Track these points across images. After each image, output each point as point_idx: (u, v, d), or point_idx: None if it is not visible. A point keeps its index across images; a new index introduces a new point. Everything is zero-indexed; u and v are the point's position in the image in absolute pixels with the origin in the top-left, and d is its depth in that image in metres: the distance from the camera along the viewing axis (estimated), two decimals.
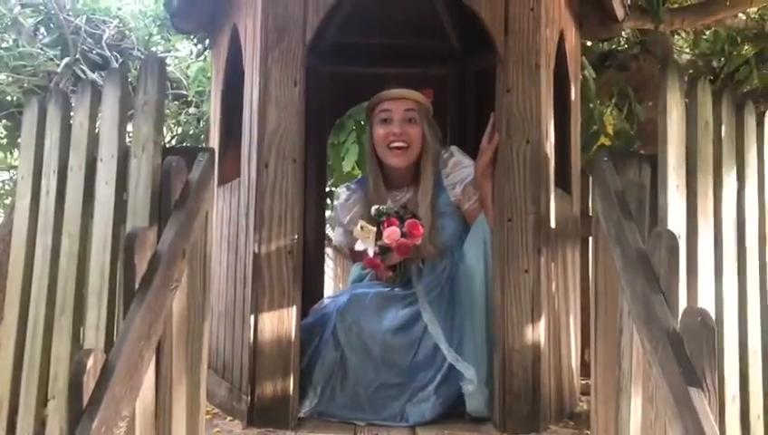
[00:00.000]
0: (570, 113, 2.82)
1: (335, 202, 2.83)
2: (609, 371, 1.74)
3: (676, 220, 1.85)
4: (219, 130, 2.82)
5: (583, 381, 2.81)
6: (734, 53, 5.55)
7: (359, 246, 2.52)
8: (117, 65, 6.74)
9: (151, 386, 1.44)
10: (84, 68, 6.43)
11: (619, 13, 3.01)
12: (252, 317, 2.24)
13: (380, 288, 2.59)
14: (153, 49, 7.52)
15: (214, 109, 2.96)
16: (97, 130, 2.13)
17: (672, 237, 1.49)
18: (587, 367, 3.06)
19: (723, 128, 2.10)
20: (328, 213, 4.21)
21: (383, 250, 2.46)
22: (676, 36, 5.65)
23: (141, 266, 1.44)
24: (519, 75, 2.33)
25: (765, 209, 2.32)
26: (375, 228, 2.46)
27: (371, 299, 2.52)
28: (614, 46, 5.19)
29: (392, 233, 2.43)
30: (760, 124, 2.34)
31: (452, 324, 2.48)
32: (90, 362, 1.20)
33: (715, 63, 5.72)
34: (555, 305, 2.41)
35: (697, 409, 1.22)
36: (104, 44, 6.74)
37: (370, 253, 2.47)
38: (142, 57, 7.20)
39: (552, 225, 2.37)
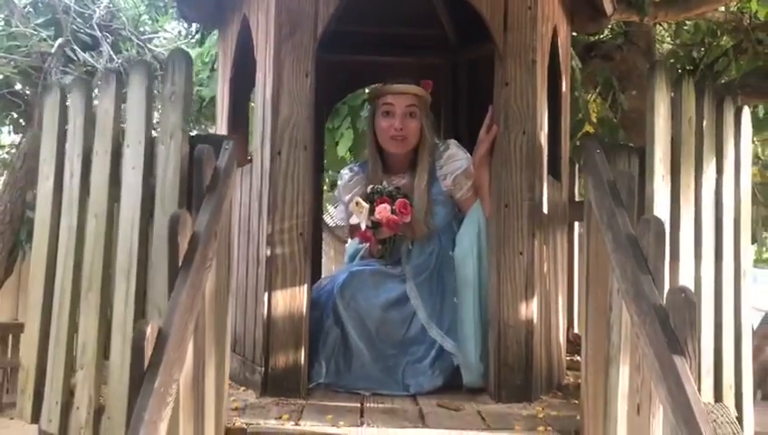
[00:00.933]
0: (561, 104, 2.99)
1: (339, 182, 3.00)
2: (599, 344, 1.92)
3: (661, 207, 2.03)
4: (227, 116, 2.95)
5: (568, 358, 3.01)
6: (714, 44, 5.75)
7: (353, 220, 2.73)
8: (107, 45, 6.78)
9: (191, 354, 1.59)
10: (76, 48, 6.46)
11: (608, 8, 3.17)
12: (266, 294, 2.39)
13: (377, 265, 2.77)
14: (141, 29, 7.55)
15: (221, 96, 3.08)
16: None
17: (659, 223, 1.67)
18: (571, 344, 3.26)
19: (704, 122, 2.28)
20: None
21: (374, 225, 2.66)
22: (658, 27, 5.84)
23: (183, 246, 1.59)
24: (517, 70, 2.49)
25: (740, 197, 2.52)
26: (368, 205, 2.66)
27: (368, 275, 2.71)
28: (599, 37, 5.37)
29: (383, 210, 2.63)
30: (737, 118, 2.53)
31: (441, 304, 2.66)
32: (149, 331, 1.35)
33: (695, 54, 5.92)
34: (546, 285, 2.59)
35: (679, 372, 1.40)
36: (94, 25, 6.77)
37: (363, 226, 2.68)
38: (132, 38, 7.24)
39: (545, 210, 2.54)
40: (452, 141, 2.84)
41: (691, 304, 1.46)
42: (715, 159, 2.36)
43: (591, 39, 5.29)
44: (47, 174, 2.50)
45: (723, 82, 5.45)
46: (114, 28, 7.04)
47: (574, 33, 4.70)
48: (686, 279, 2.14)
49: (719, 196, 2.39)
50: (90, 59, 6.50)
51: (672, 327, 1.47)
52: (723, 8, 5.06)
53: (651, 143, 2.04)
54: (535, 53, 2.52)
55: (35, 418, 2.42)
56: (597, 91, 5.43)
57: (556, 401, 2.45)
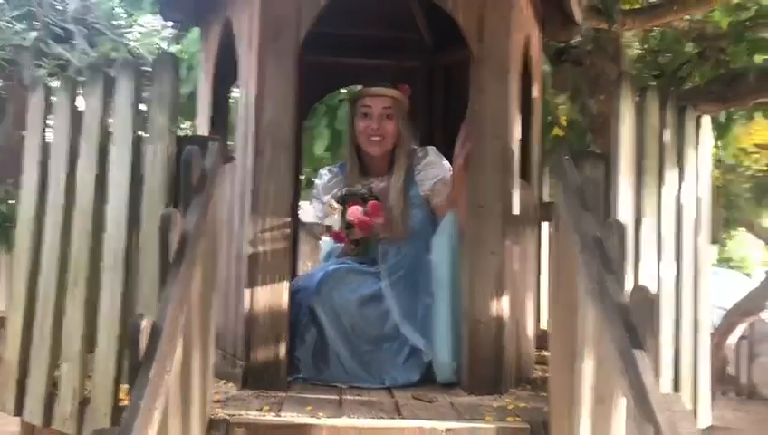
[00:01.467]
0: (532, 110, 3.11)
1: (317, 181, 3.10)
2: (566, 339, 2.04)
3: (625, 210, 2.15)
4: (208, 118, 3.02)
5: (537, 353, 3.13)
6: (679, 51, 5.93)
7: (327, 221, 2.84)
8: (81, 39, 6.75)
9: (180, 346, 1.67)
10: (49, 42, 6.43)
11: (578, 16, 3.29)
12: (247, 290, 2.47)
13: (353, 264, 2.86)
14: (114, 22, 7.52)
15: (203, 95, 3.14)
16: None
17: (622, 227, 1.79)
18: (539, 339, 3.39)
19: (668, 131, 2.41)
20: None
21: (347, 226, 2.77)
22: (626, 33, 6.01)
23: (173, 244, 1.66)
24: (491, 77, 2.59)
25: (701, 200, 2.66)
26: (341, 207, 2.76)
27: (344, 273, 2.81)
28: (570, 42, 5.51)
29: (354, 211, 2.74)
30: (698, 126, 2.67)
31: (415, 303, 2.77)
32: (143, 324, 1.43)
33: (661, 59, 6.11)
34: (516, 283, 2.70)
35: (639, 365, 1.52)
36: (68, 18, 6.74)
37: (336, 227, 2.79)
38: (106, 32, 7.21)
39: (516, 212, 2.65)
40: (431, 148, 2.94)
41: (651, 302, 1.58)
42: (677, 164, 2.49)
43: (562, 44, 5.43)
44: (31, 172, 2.54)
45: (687, 88, 5.64)
46: (89, 22, 7.00)
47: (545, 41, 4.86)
48: (648, 277, 2.27)
49: (680, 199, 2.52)
50: (65, 52, 6.47)
51: (634, 323, 1.58)
52: (687, 18, 5.24)
53: (616, 150, 2.16)
54: (509, 61, 2.62)
55: (18, 410, 2.47)
56: (567, 95, 5.58)
57: (525, 394, 2.56)
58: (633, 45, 6.52)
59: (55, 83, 6.39)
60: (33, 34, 6.04)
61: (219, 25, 2.93)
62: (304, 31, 2.54)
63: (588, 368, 1.88)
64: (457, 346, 2.61)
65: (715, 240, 6.91)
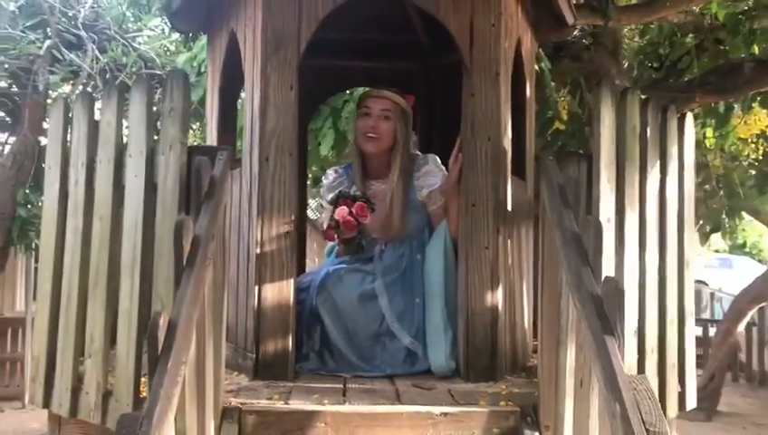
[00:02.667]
0: (525, 109, 3.25)
1: (324, 180, 3.25)
2: (552, 328, 2.19)
3: (606, 207, 2.30)
4: (217, 124, 3.19)
5: (535, 342, 3.28)
6: (678, 42, 6.03)
7: (321, 220, 3.01)
8: (92, 45, 6.94)
9: (194, 341, 1.84)
10: (63, 49, 6.61)
11: (569, 18, 3.43)
12: (256, 287, 2.64)
13: (353, 264, 3.01)
14: (125, 27, 7.69)
15: (210, 104, 3.31)
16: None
17: (598, 223, 1.94)
18: (537, 329, 3.54)
19: (648, 130, 2.55)
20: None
21: (336, 224, 2.91)
22: (624, 27, 6.11)
23: (186, 247, 1.83)
24: (482, 82, 2.74)
25: (684, 194, 2.80)
26: (331, 207, 2.91)
27: (344, 273, 2.96)
28: (568, 38, 5.63)
29: (341, 211, 2.89)
30: (681, 124, 2.81)
31: (410, 304, 2.91)
32: (161, 320, 1.60)
33: (661, 51, 6.21)
34: (511, 276, 2.86)
35: (610, 351, 1.67)
36: (79, 25, 6.91)
37: (324, 226, 2.97)
38: (117, 37, 7.39)
39: (509, 208, 2.80)
40: (431, 157, 3.07)
41: (620, 293, 1.73)
42: (659, 161, 2.63)
43: (568, 37, 5.55)
44: (52, 180, 2.72)
45: (686, 80, 5.74)
46: (99, 28, 7.18)
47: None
48: (631, 268, 2.42)
49: (663, 193, 2.66)
50: (76, 58, 6.65)
51: (605, 312, 1.74)
52: (683, 11, 5.34)
53: (597, 150, 2.31)
54: (499, 66, 2.77)
55: (46, 403, 2.66)
56: (566, 89, 5.70)
57: (520, 381, 2.72)
58: (633, 39, 6.63)
59: (67, 88, 6.55)
60: (47, 43, 6.21)
61: (225, 37, 3.10)
62: (305, 42, 2.70)
63: (570, 353, 2.03)
64: (453, 347, 2.75)
65: (716, 228, 7.01)
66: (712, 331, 9.39)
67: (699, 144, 7.01)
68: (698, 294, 16.04)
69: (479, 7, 2.77)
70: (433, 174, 3.00)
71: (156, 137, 2.40)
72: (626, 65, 6.18)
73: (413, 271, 2.94)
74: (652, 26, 6.21)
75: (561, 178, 2.19)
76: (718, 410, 7.94)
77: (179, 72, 2.33)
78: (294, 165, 2.68)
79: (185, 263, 1.81)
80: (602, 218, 2.29)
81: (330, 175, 3.22)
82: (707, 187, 7.03)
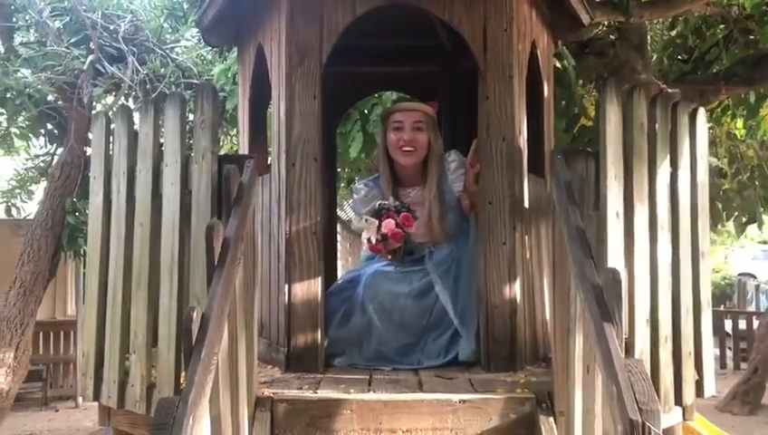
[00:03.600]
0: (543, 108, 3.36)
1: (355, 196, 3.39)
2: (563, 318, 2.31)
3: (614, 202, 2.41)
4: (248, 133, 3.37)
5: None
6: (708, 33, 6.02)
7: (365, 235, 3.11)
8: (132, 58, 7.22)
9: (226, 335, 2.01)
10: (105, 63, 6.90)
11: (585, 19, 3.52)
12: (286, 286, 2.81)
13: (403, 265, 3.14)
14: (162, 38, 7.98)
15: (242, 115, 3.49)
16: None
17: (601, 218, 2.06)
18: None
19: (657, 126, 2.64)
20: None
21: (383, 237, 3.03)
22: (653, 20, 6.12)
23: (217, 248, 2.00)
24: (496, 85, 2.87)
25: (697, 187, 2.88)
26: (377, 221, 3.03)
27: (392, 273, 3.12)
28: (593, 34, 5.68)
29: (388, 224, 3.02)
30: (692, 119, 2.88)
31: (457, 294, 3.06)
32: (195, 315, 1.77)
33: (690, 43, 6.21)
34: (529, 270, 2.97)
35: (608, 337, 1.79)
36: (120, 38, 7.20)
37: (373, 241, 3.06)
38: (155, 49, 7.67)
39: (526, 205, 2.92)
40: (454, 151, 3.24)
41: (618, 283, 1.84)
42: (669, 156, 2.72)
43: (585, 36, 5.60)
44: (97, 189, 2.93)
45: (713, 72, 5.74)
46: (139, 40, 7.47)
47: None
48: (641, 259, 2.52)
49: (675, 187, 2.75)
50: (117, 72, 6.95)
51: (604, 300, 1.85)
52: (708, 2, 5.35)
53: (603, 148, 2.41)
54: (512, 69, 2.89)
55: (96, 396, 2.87)
56: (592, 85, 5.75)
57: (539, 370, 2.83)
58: (662, 33, 6.63)
59: (110, 100, 6.83)
60: (90, 57, 6.50)
61: (253, 50, 3.28)
62: (326, 54, 2.86)
63: (578, 342, 2.15)
64: (478, 326, 2.89)
65: (752, 220, 6.96)
66: (755, 323, 9.27)
67: (731, 135, 6.99)
68: (743, 287, 15.81)
69: (491, 13, 2.89)
70: (462, 165, 3.14)
71: (190, 146, 2.58)
72: (654, 59, 6.20)
73: (463, 261, 3.06)
74: (680, 19, 6.21)
75: (568, 175, 2.30)
76: (762, 403, 7.87)
77: (209, 87, 2.51)
78: (319, 169, 2.85)
79: (216, 263, 1.98)
80: (611, 213, 2.39)
81: (361, 190, 3.34)
82: (741, 178, 6.98)
